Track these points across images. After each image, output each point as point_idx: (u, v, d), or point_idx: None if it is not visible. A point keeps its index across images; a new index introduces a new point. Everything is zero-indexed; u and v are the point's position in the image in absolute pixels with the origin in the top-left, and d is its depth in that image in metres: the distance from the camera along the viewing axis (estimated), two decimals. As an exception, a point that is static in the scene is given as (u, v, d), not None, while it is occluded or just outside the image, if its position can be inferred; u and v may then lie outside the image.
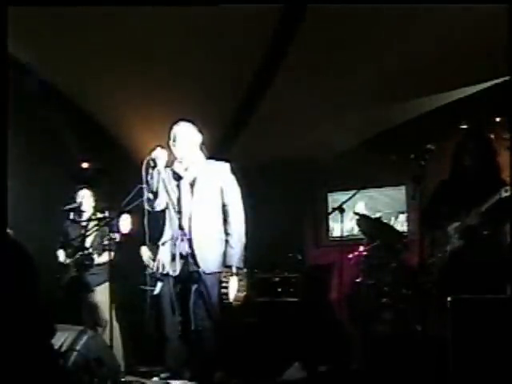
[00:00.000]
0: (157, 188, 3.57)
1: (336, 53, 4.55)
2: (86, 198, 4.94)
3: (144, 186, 3.55)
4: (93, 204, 4.96)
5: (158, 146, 3.58)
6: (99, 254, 4.73)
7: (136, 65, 4.75)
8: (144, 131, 5.51)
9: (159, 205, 3.65)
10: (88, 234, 4.73)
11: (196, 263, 3.53)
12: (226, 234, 3.66)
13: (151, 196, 3.58)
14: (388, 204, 6.37)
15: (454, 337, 3.15)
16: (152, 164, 3.51)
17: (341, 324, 5.16)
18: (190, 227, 3.59)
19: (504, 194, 3.47)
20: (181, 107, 4.86)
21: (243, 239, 3.66)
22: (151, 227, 3.61)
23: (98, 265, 4.75)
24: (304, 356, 4.44)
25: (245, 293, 3.64)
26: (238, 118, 5.64)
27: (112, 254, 4.51)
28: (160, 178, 3.57)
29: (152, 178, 3.54)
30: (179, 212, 3.62)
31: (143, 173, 3.52)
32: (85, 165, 5.66)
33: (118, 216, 4.41)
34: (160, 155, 3.53)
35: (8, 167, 2.61)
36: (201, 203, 3.62)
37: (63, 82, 5.29)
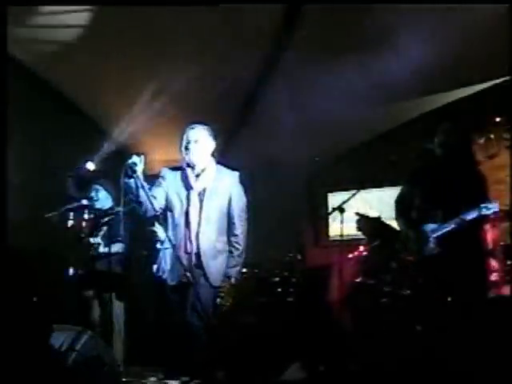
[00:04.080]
0: (137, 196, 3.43)
1: (335, 52, 4.55)
2: (99, 192, 4.93)
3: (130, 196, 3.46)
4: (109, 197, 4.95)
5: (134, 153, 3.45)
6: (108, 247, 4.71)
7: (136, 65, 4.75)
8: (144, 131, 5.52)
9: (148, 211, 3.51)
10: (99, 226, 4.75)
11: (203, 276, 3.51)
12: (231, 245, 3.64)
13: (139, 207, 3.48)
14: (388, 204, 6.36)
15: (454, 336, 3.15)
16: (130, 172, 3.37)
17: (341, 324, 5.15)
18: (197, 239, 3.55)
19: (485, 212, 3.45)
20: (181, 108, 4.87)
21: (244, 252, 3.67)
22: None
23: (104, 259, 4.73)
24: (304, 356, 4.43)
25: (237, 299, 3.63)
26: (238, 118, 5.65)
27: (119, 247, 4.56)
28: (140, 184, 3.40)
29: (129, 186, 3.39)
30: (187, 222, 3.58)
31: (121, 181, 3.37)
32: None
33: (118, 214, 4.42)
34: (137, 162, 3.38)
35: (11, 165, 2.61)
36: (209, 215, 3.58)
37: (63, 83, 5.29)
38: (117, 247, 4.56)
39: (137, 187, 3.40)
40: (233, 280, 3.57)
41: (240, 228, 3.65)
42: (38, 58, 4.89)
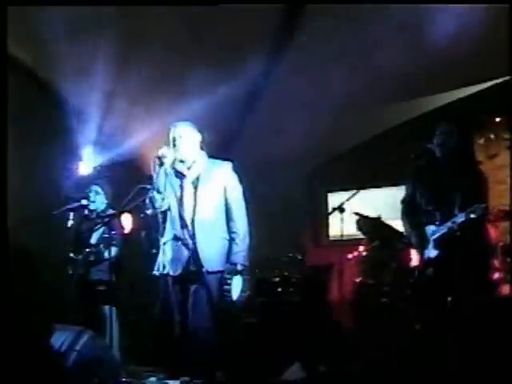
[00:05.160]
0: (164, 187, 3.57)
1: (335, 52, 4.56)
2: (98, 195, 4.92)
3: (148, 186, 3.55)
4: (104, 201, 4.94)
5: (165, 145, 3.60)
6: (105, 251, 4.71)
7: (136, 64, 4.75)
8: (144, 131, 5.52)
9: (163, 205, 3.64)
10: (94, 230, 4.75)
11: (199, 262, 3.53)
12: (231, 232, 3.66)
13: (158, 196, 3.57)
14: (388, 204, 6.37)
15: (454, 336, 3.15)
16: (158, 162, 3.51)
17: (341, 324, 5.15)
18: (193, 226, 3.59)
19: (472, 216, 3.43)
20: (181, 107, 4.87)
21: (247, 237, 3.68)
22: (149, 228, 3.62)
23: (104, 262, 4.73)
24: (304, 356, 4.43)
25: (248, 292, 3.64)
26: (238, 117, 5.65)
27: (116, 251, 4.54)
28: (166, 176, 3.57)
29: (158, 176, 3.54)
30: (182, 210, 3.62)
31: (152, 172, 3.52)
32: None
33: (119, 215, 4.43)
34: (167, 153, 3.53)
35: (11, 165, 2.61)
36: (204, 202, 3.62)
37: (62, 83, 5.30)
38: (112, 252, 4.55)
39: (164, 178, 3.55)
40: (239, 267, 3.58)
41: (238, 214, 3.67)
42: (38, 58, 4.90)
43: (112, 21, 4.28)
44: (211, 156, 3.79)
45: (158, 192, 3.57)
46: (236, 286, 3.58)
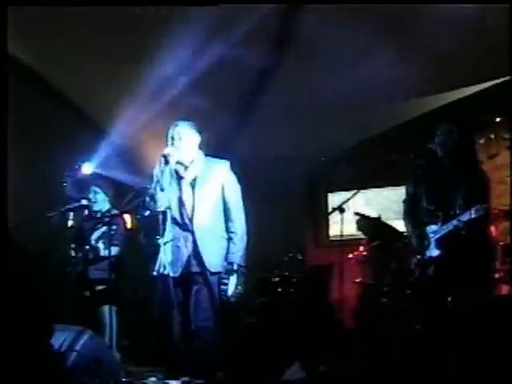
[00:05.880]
0: (168, 185, 3.59)
1: (336, 52, 4.56)
2: (97, 194, 4.93)
3: (149, 186, 3.55)
4: (106, 199, 4.95)
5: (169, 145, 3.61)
6: (104, 250, 4.71)
7: (136, 64, 4.75)
8: (144, 131, 5.52)
9: (162, 205, 3.64)
10: (96, 229, 4.76)
11: (201, 263, 3.54)
12: (229, 231, 3.67)
13: (160, 194, 3.58)
14: (388, 204, 6.37)
15: (454, 337, 3.15)
16: (164, 161, 3.52)
17: (341, 324, 5.15)
18: (192, 227, 3.60)
19: (474, 215, 3.43)
20: (181, 106, 4.87)
21: (245, 237, 3.69)
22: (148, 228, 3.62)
23: (103, 260, 4.73)
24: (304, 356, 4.43)
25: (241, 287, 3.64)
26: (238, 117, 5.65)
27: (115, 250, 4.55)
28: (169, 175, 3.59)
29: (163, 175, 3.55)
30: (181, 212, 3.62)
31: (156, 170, 3.53)
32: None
33: (120, 214, 4.43)
34: (172, 152, 3.54)
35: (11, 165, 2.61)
36: (202, 202, 3.63)
37: (63, 83, 5.30)
38: (113, 251, 4.56)
39: (167, 177, 3.57)
40: (235, 266, 3.59)
41: (236, 214, 3.69)
42: (38, 58, 4.90)
43: (113, 19, 4.28)
44: (208, 154, 3.79)
45: (162, 190, 3.58)
46: (232, 284, 3.60)
